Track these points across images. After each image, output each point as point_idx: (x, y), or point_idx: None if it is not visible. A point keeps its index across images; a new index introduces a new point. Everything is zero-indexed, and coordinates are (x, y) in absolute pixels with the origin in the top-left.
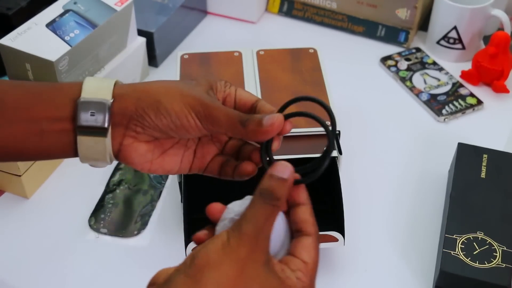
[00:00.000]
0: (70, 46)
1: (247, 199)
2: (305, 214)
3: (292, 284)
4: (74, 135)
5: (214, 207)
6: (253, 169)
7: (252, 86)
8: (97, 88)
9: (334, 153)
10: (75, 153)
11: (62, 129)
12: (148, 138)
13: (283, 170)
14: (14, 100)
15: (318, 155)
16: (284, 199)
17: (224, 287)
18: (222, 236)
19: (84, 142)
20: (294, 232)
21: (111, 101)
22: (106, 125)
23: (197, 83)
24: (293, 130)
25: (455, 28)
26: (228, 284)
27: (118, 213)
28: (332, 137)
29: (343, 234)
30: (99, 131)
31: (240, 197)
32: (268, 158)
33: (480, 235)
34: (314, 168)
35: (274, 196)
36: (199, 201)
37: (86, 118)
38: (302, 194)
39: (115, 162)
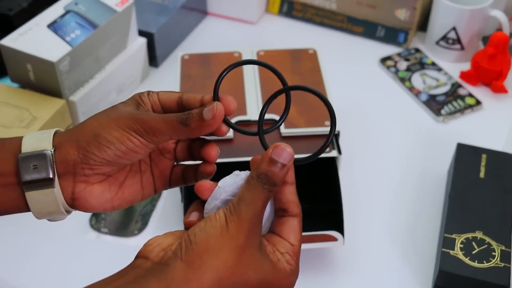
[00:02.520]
0: (71, 46)
1: (237, 175)
2: (291, 194)
3: (282, 267)
4: (22, 189)
5: (203, 184)
6: (212, 169)
7: (252, 87)
8: (36, 140)
9: (334, 153)
10: (27, 208)
11: (8, 183)
12: (100, 178)
13: (286, 156)
14: None
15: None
16: (281, 184)
17: (222, 275)
18: (220, 219)
19: (33, 196)
20: (278, 210)
21: (52, 150)
22: (51, 175)
23: (125, 104)
24: (293, 130)
25: (454, 28)
26: (226, 271)
27: (119, 213)
28: (333, 115)
29: (342, 234)
30: (45, 184)
31: None
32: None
33: (479, 234)
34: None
35: (273, 182)
36: None
37: (29, 173)
38: (291, 173)
39: None
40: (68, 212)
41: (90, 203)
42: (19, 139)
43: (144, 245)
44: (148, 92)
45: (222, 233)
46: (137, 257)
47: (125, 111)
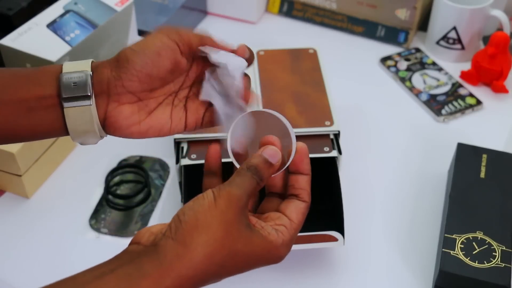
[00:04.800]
0: (71, 46)
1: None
2: (306, 183)
3: (273, 239)
4: (61, 110)
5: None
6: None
7: (252, 86)
8: (76, 64)
9: (334, 153)
10: (64, 129)
11: (49, 105)
12: (131, 98)
13: (274, 155)
14: (1, 83)
15: (317, 155)
16: (267, 180)
17: (212, 249)
18: (208, 197)
19: (71, 113)
20: (289, 195)
21: (91, 72)
22: (89, 92)
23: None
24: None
25: (454, 28)
26: (216, 245)
27: (119, 213)
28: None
29: (343, 234)
30: (83, 99)
31: None
32: None
33: (479, 234)
34: None
35: (260, 175)
36: None
37: (70, 89)
38: (306, 165)
39: (116, 158)
40: (101, 137)
41: (119, 122)
42: (60, 65)
43: (135, 234)
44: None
45: (211, 209)
46: (129, 244)
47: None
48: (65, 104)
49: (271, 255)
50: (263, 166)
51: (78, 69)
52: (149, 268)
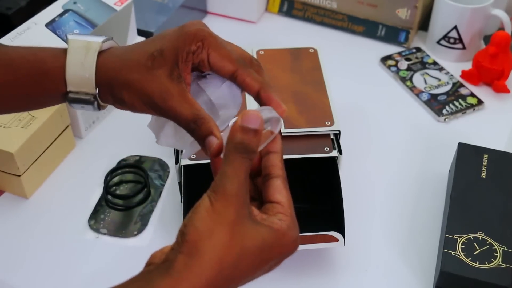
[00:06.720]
0: None
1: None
2: (276, 160)
3: (278, 227)
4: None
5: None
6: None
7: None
8: (80, 80)
9: (334, 153)
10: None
11: (57, 100)
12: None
13: (255, 120)
14: (9, 80)
15: (318, 155)
16: (258, 149)
17: (221, 254)
18: (204, 203)
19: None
20: (264, 176)
21: (96, 93)
22: (97, 111)
23: (161, 63)
24: (293, 130)
25: (455, 28)
26: (224, 249)
27: (118, 213)
28: None
29: (343, 234)
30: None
31: None
32: None
33: (480, 235)
34: None
35: (250, 149)
36: None
37: (78, 108)
38: (277, 145)
39: (116, 158)
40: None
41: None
42: (62, 70)
43: (150, 256)
44: (197, 44)
45: (209, 215)
46: (144, 267)
47: (153, 77)
48: (74, 106)
49: (283, 242)
50: (247, 137)
51: (82, 89)
52: (160, 281)
